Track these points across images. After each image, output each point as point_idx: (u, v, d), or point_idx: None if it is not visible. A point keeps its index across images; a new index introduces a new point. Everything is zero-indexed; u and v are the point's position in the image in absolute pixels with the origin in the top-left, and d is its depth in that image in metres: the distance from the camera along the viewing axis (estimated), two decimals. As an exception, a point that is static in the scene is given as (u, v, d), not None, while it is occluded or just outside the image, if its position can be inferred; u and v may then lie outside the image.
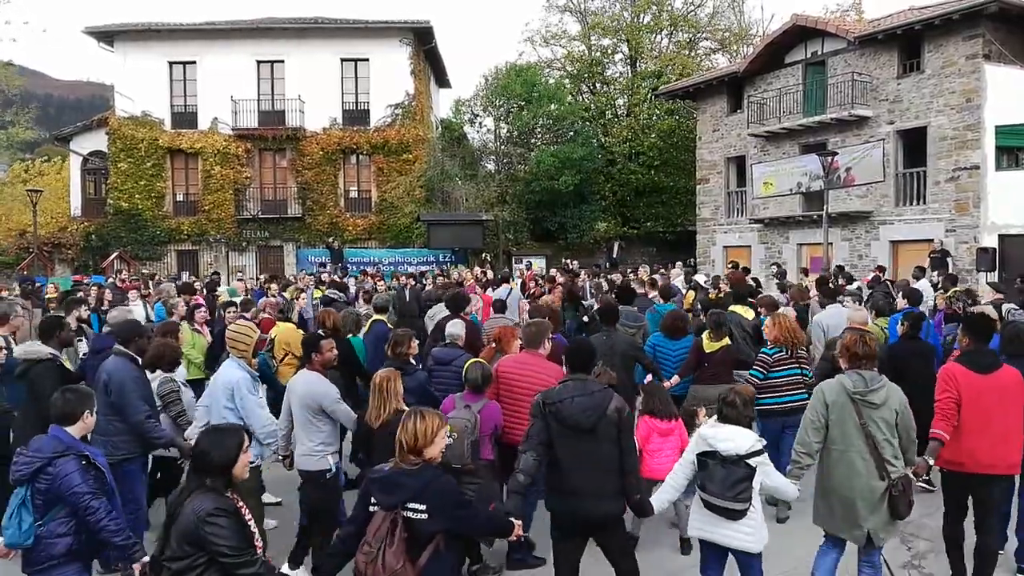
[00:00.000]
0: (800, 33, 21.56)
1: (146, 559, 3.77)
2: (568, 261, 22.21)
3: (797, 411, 6.12)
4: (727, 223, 24.81)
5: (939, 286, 11.67)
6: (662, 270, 17.41)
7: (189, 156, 26.64)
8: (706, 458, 4.23)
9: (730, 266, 17.72)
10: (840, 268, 15.90)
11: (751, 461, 4.16)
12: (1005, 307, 8.55)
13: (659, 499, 4.41)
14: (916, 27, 18.20)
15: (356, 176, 27.22)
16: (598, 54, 32.30)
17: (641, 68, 31.77)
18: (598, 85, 32.69)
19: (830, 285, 10.53)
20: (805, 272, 17.03)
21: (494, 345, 6.38)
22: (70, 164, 29.45)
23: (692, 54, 32.87)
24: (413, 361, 6.14)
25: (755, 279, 14.61)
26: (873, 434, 4.35)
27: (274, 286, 15.04)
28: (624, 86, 32.17)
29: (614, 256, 26.41)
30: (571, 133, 28.50)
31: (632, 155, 30.03)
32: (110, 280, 17.60)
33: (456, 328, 6.69)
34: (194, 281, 17.34)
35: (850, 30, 20.29)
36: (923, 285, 11.62)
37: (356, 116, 26.69)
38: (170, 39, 26.54)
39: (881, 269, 16.30)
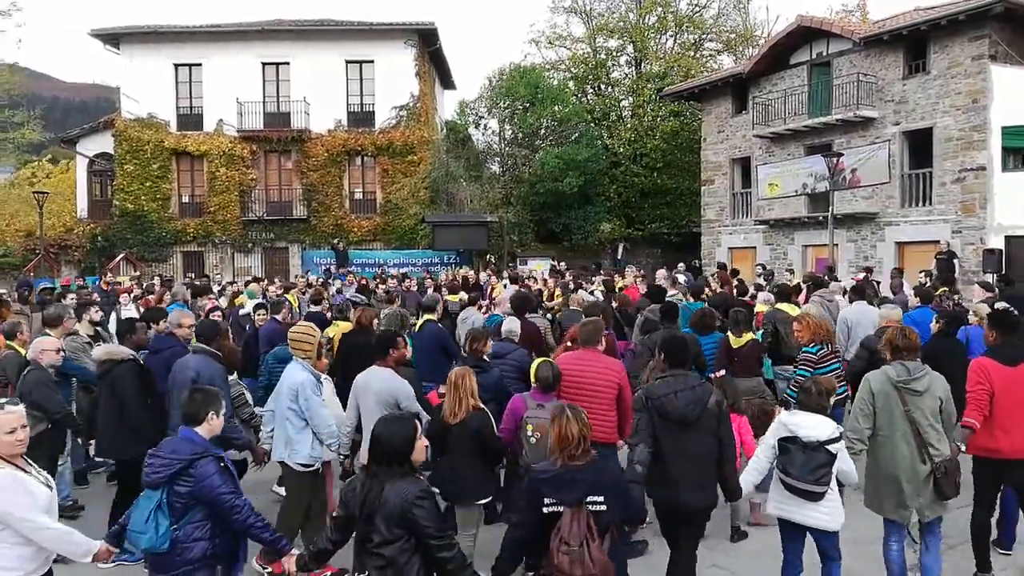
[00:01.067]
0: (805, 34, 21.53)
1: (296, 552, 3.81)
2: (555, 263, 22.28)
3: (839, 403, 6.48)
4: (732, 224, 24.78)
5: (928, 286, 11.95)
6: (642, 271, 17.85)
7: (195, 158, 26.71)
8: (787, 443, 4.52)
9: (718, 267, 17.90)
10: (830, 269, 16.00)
11: (831, 447, 4.43)
12: (999, 305, 8.63)
13: (745, 480, 4.67)
14: (922, 28, 18.16)
15: (361, 177, 27.27)
16: (603, 56, 32.29)
17: (646, 69, 31.74)
18: (603, 87, 32.68)
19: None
20: (791, 272, 17.06)
21: (570, 344, 6.62)
22: (76, 166, 29.56)
23: (697, 55, 32.82)
24: (487, 358, 6.29)
25: (741, 280, 14.73)
26: (917, 420, 4.65)
27: (271, 288, 15.02)
28: (629, 88, 32.16)
29: (618, 258, 26.36)
30: (575, 135, 28.50)
31: (636, 157, 30.02)
32: (98, 283, 17.29)
33: (512, 325, 7.12)
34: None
35: (855, 31, 20.26)
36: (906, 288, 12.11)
37: (361, 118, 26.74)
38: (176, 41, 26.64)
39: (868, 270, 16.35)
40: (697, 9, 32.64)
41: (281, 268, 25.56)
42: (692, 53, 32.55)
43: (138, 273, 22.50)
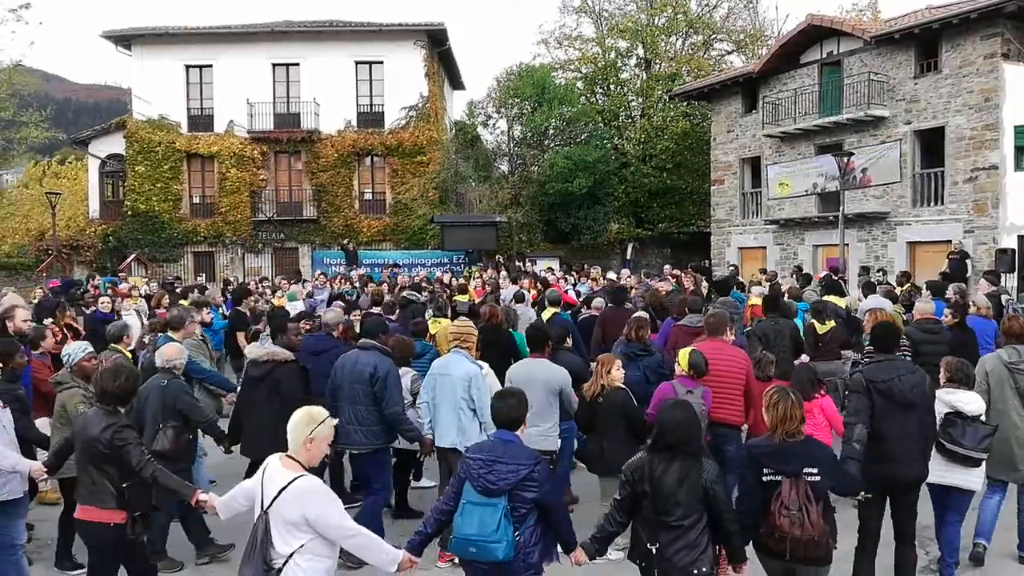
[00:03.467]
0: (815, 33, 21.42)
1: (581, 543, 4.01)
2: (516, 263, 22.31)
3: None
4: (742, 224, 24.70)
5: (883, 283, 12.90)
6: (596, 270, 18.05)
7: (205, 159, 26.85)
8: (955, 418, 5.15)
9: (692, 267, 18.47)
10: (799, 268, 16.57)
11: (985, 419, 5.22)
12: (1004, 298, 9.89)
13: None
14: (933, 26, 18.04)
15: (371, 178, 27.34)
16: (613, 56, 32.21)
17: (656, 70, 31.67)
18: (612, 87, 32.60)
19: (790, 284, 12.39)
20: (763, 271, 17.28)
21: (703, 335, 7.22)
22: (88, 167, 29.76)
23: (707, 55, 32.72)
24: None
25: (709, 278, 15.22)
26: None
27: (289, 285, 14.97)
28: (638, 88, 32.08)
29: (628, 258, 26.31)
30: (585, 135, 28.46)
31: (646, 157, 29.93)
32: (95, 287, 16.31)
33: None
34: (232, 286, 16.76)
35: (866, 29, 20.14)
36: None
37: (370, 118, 26.81)
38: (186, 42, 26.78)
39: (834, 270, 16.68)
40: (707, 9, 32.54)
41: (291, 269, 25.63)
42: (702, 53, 32.45)
43: (123, 272, 22.44)
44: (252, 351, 6.18)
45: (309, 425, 3.53)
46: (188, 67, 26.80)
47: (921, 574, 5.53)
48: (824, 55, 21.62)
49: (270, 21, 28.94)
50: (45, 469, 4.89)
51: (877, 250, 20.03)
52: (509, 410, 3.96)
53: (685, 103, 29.20)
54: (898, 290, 11.90)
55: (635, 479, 3.77)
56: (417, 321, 8.29)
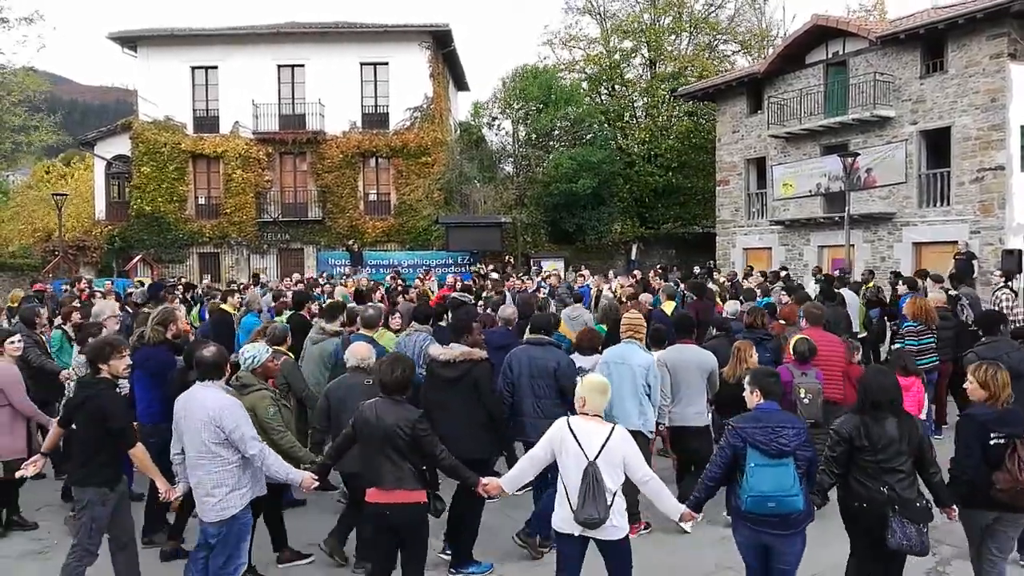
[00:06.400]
0: (821, 33, 21.38)
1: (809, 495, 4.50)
2: (481, 266, 22.34)
3: (932, 370, 8.46)
4: (747, 225, 24.65)
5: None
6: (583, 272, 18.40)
7: (211, 160, 26.92)
8: None
9: (661, 268, 19.56)
10: (750, 268, 17.38)
11: None
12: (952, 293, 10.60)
13: None
14: (939, 26, 17.98)
15: (375, 179, 27.37)
16: (617, 56, 32.21)
17: (660, 70, 31.65)
18: (617, 87, 32.61)
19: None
20: (718, 270, 17.95)
21: (783, 322, 8.29)
22: (94, 168, 29.85)
23: (711, 56, 32.69)
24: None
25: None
26: None
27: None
28: (643, 88, 32.07)
29: (632, 258, 26.32)
30: (589, 135, 28.46)
31: (650, 156, 29.92)
32: (67, 289, 15.10)
33: (734, 307, 8.79)
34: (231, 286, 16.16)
35: (872, 30, 20.09)
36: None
37: (375, 119, 26.86)
38: (192, 44, 26.85)
39: (783, 268, 18.08)
40: (712, 9, 32.52)
41: (296, 269, 25.65)
42: (706, 53, 32.42)
43: (178, 277, 22.35)
44: (443, 353, 6.04)
45: (607, 389, 4.43)
46: (194, 68, 26.88)
47: (927, 575, 5.54)
48: (829, 55, 21.57)
49: (275, 23, 28.98)
50: (315, 479, 4.86)
51: (883, 251, 19.97)
52: (771, 386, 4.55)
53: (690, 103, 29.16)
54: (864, 287, 13.24)
55: (851, 436, 4.41)
56: (554, 314, 8.63)
